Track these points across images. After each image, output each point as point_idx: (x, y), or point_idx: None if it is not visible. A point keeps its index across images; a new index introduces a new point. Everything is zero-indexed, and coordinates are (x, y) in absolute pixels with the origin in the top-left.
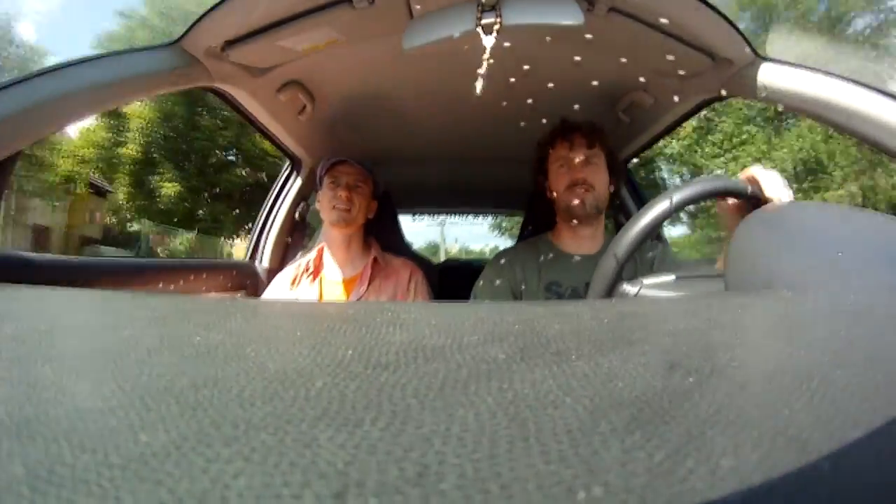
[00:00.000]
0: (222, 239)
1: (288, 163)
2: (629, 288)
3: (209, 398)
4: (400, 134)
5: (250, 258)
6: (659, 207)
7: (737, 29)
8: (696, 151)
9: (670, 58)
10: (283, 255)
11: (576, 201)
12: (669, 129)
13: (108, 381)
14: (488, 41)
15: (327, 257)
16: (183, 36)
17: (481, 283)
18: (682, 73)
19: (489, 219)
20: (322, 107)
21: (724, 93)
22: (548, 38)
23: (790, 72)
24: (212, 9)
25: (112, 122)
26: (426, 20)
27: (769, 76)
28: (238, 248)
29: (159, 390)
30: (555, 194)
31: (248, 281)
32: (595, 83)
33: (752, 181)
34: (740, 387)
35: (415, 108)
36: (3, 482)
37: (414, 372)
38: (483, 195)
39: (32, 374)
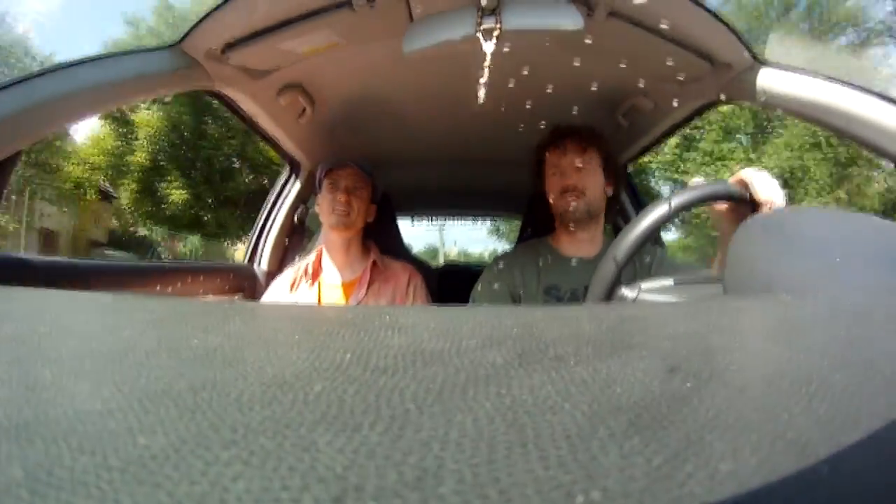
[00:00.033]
0: (227, 243)
1: (287, 166)
2: (628, 292)
3: (208, 401)
4: (399, 137)
5: (249, 261)
6: (658, 211)
7: (736, 33)
8: (677, 168)
9: (670, 62)
10: (282, 258)
11: (567, 207)
12: (669, 134)
13: (106, 384)
14: (488, 46)
15: (326, 261)
16: (183, 38)
17: (480, 286)
18: (681, 77)
19: (487, 223)
20: (322, 110)
21: (723, 97)
22: (547, 43)
23: (789, 76)
24: (212, 11)
25: (121, 130)
26: (426, 24)
27: (768, 80)
28: (241, 252)
29: (158, 393)
30: (551, 199)
31: (247, 284)
32: (595, 87)
33: (743, 184)
34: (739, 391)
35: (414, 112)
36: (1, 484)
37: (412, 376)
38: (482, 199)
39: (31, 376)
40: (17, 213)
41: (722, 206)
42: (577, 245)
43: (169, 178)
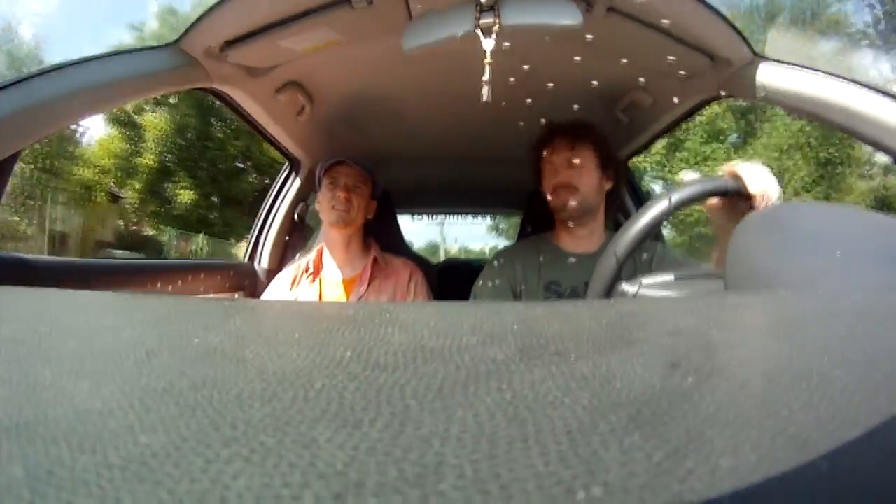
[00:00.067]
0: (232, 240)
1: (287, 163)
2: (628, 287)
3: (208, 399)
4: (399, 134)
5: (249, 259)
6: (658, 207)
7: (735, 29)
8: (664, 167)
9: (669, 58)
10: (282, 256)
11: (561, 204)
12: (668, 129)
13: (107, 383)
14: (487, 42)
15: (327, 258)
16: (182, 36)
17: (481, 282)
18: (680, 73)
19: (487, 219)
20: (321, 107)
21: (722, 93)
22: (547, 39)
23: (789, 72)
24: (211, 9)
25: (128, 132)
26: (425, 21)
27: (768, 76)
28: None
29: (158, 391)
30: (547, 196)
31: (247, 281)
32: (594, 83)
33: (736, 176)
34: (740, 387)
35: (414, 109)
36: (2, 483)
37: (413, 373)
38: (482, 195)
39: (31, 375)
40: (28, 215)
41: (715, 200)
42: (577, 241)
43: (176, 178)
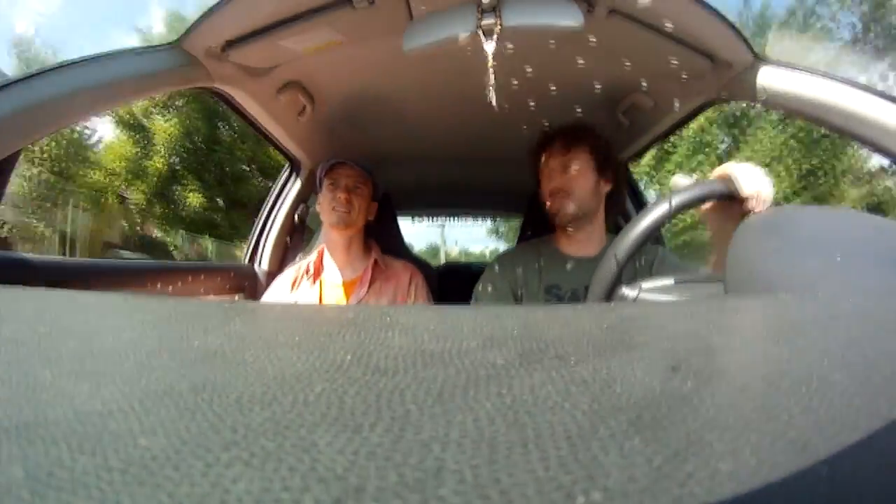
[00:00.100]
0: (237, 242)
1: (287, 164)
2: (628, 291)
3: (208, 402)
4: (400, 136)
5: (249, 260)
6: (658, 210)
7: (737, 31)
8: (653, 178)
9: (670, 60)
10: (282, 258)
11: (555, 209)
12: (669, 132)
13: (106, 384)
14: (488, 44)
15: (328, 259)
16: (183, 36)
17: (481, 286)
18: (681, 75)
19: (488, 222)
20: (322, 108)
21: (723, 95)
22: (550, 41)
23: (790, 74)
24: (212, 9)
25: (137, 136)
26: (426, 22)
27: (769, 79)
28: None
29: (158, 394)
30: (545, 202)
31: (247, 283)
32: (595, 85)
33: (727, 178)
34: (739, 390)
35: (415, 110)
36: (2, 484)
37: (413, 377)
38: (483, 197)
39: (31, 376)
40: (44, 217)
41: (709, 203)
42: (577, 244)
43: (185, 182)
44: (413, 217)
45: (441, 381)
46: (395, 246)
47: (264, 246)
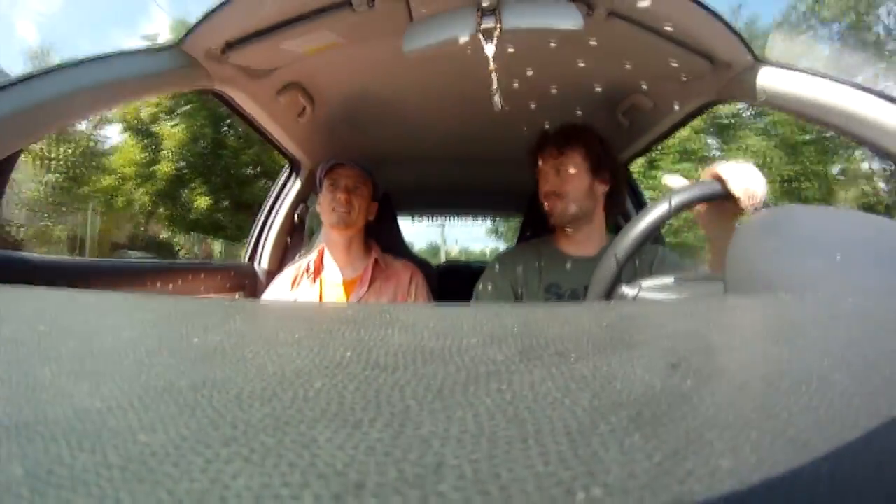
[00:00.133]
0: (243, 242)
1: (287, 165)
2: (628, 290)
3: (208, 399)
4: (399, 136)
5: (249, 260)
6: (658, 210)
7: (736, 32)
8: (642, 183)
9: (670, 61)
10: (282, 257)
11: (549, 211)
12: (669, 133)
13: (107, 382)
14: (488, 46)
15: (328, 259)
16: (183, 37)
17: (481, 285)
18: (681, 76)
19: (488, 222)
20: (322, 109)
21: (723, 96)
22: (550, 42)
23: (789, 75)
24: (212, 11)
25: (146, 141)
26: (426, 23)
27: (768, 80)
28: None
29: (158, 391)
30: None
31: (247, 282)
32: (595, 86)
33: (717, 177)
34: (739, 389)
35: (414, 111)
36: (2, 483)
37: (413, 373)
38: (483, 198)
39: (31, 375)
40: (61, 220)
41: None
42: (577, 244)
43: (193, 185)
44: (413, 217)
45: (441, 378)
46: (395, 245)
47: (264, 245)
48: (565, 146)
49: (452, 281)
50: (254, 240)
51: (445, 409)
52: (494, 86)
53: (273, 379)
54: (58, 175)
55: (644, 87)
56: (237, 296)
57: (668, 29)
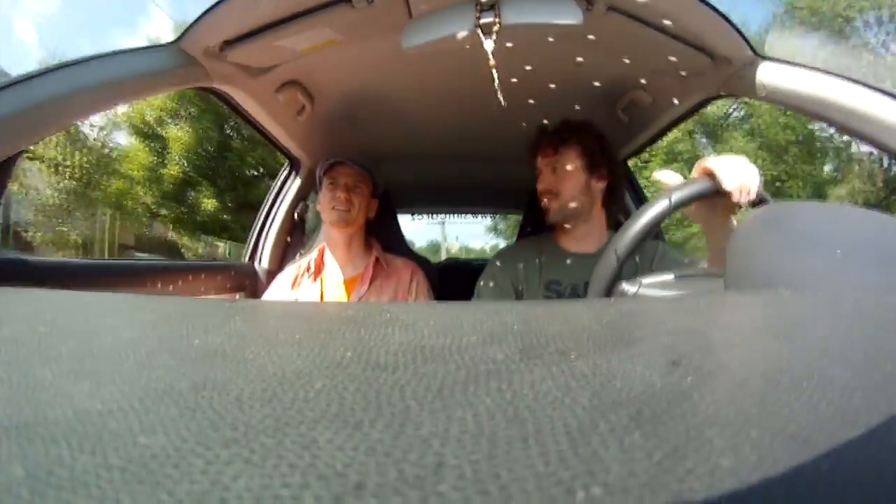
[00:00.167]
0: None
1: (287, 163)
2: (628, 287)
3: (208, 400)
4: (399, 134)
5: (249, 259)
6: (658, 206)
7: (736, 28)
8: None
9: (670, 57)
10: (282, 256)
11: (546, 209)
12: (668, 128)
13: (107, 383)
14: (487, 41)
15: (328, 257)
16: (181, 36)
17: (482, 282)
18: (681, 72)
19: (488, 219)
20: (321, 107)
21: (723, 92)
22: (549, 39)
23: (789, 71)
24: (210, 8)
25: (154, 145)
26: (425, 20)
27: (768, 75)
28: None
29: (158, 392)
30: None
31: (247, 282)
32: (594, 82)
33: (709, 173)
34: (739, 386)
35: (414, 108)
36: (2, 483)
37: (413, 373)
38: (483, 195)
39: (31, 375)
40: (74, 225)
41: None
42: (577, 241)
43: (199, 187)
44: (413, 214)
45: (441, 377)
46: (395, 243)
47: (264, 244)
48: (560, 144)
49: (453, 278)
50: (254, 239)
51: (445, 409)
52: (494, 82)
53: (273, 380)
54: (71, 181)
55: (643, 82)
56: (238, 296)
57: (668, 24)
